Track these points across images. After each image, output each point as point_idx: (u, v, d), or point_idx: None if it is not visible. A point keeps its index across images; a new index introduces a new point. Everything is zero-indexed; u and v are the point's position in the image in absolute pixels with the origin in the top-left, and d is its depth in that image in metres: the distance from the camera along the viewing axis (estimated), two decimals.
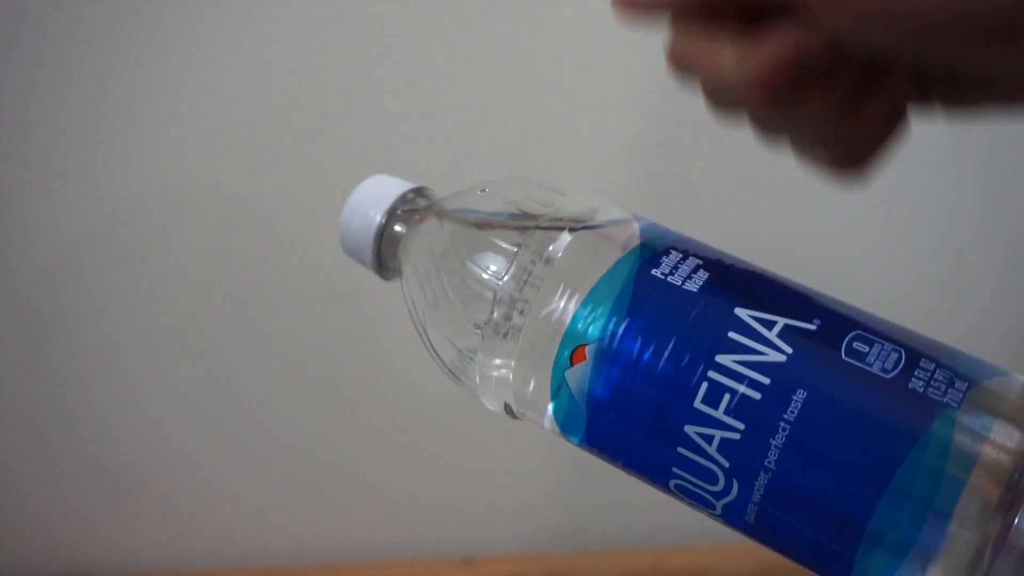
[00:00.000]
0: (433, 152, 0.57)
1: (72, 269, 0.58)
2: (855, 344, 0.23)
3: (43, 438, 0.63)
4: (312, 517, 0.66)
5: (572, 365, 0.25)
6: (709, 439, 0.23)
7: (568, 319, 0.25)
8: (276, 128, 0.56)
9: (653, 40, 0.57)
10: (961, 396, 0.22)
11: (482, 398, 0.29)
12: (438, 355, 0.30)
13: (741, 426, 0.23)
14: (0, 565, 0.65)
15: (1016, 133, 0.58)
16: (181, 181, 0.57)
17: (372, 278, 0.62)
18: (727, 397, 0.23)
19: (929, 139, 0.58)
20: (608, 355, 0.24)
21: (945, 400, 0.22)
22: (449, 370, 0.30)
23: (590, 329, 0.25)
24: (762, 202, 0.59)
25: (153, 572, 0.66)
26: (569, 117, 0.57)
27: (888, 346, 0.23)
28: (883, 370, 0.22)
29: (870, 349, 0.23)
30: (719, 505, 0.24)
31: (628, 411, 0.24)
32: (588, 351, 0.25)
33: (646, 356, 0.24)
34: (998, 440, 0.21)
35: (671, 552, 0.65)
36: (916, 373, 0.22)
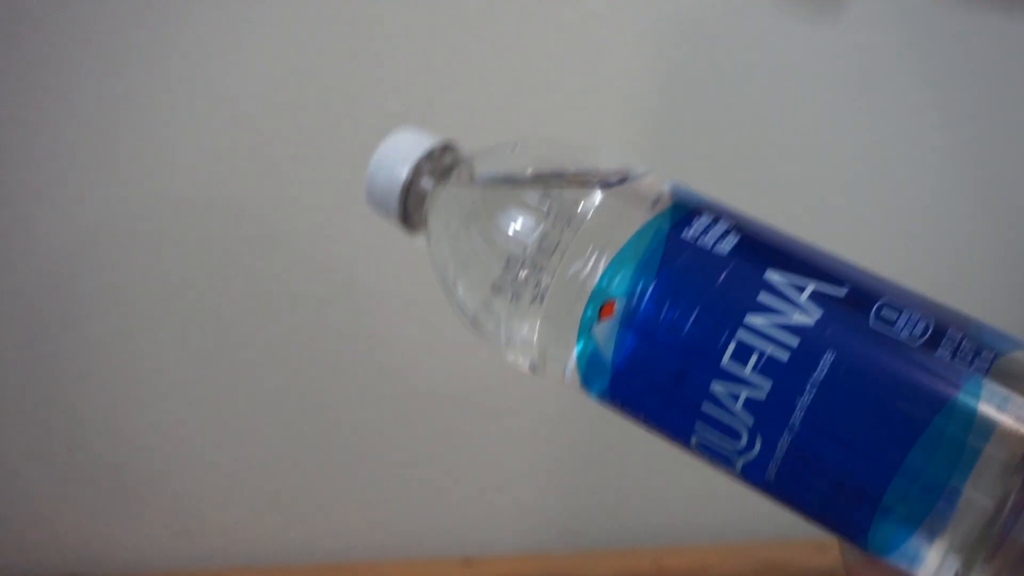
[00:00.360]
0: None
1: (73, 269, 0.58)
2: (884, 311, 0.23)
3: (44, 438, 0.63)
4: (312, 517, 0.66)
5: (600, 320, 0.25)
6: (735, 397, 0.23)
7: (598, 275, 0.25)
8: (276, 128, 0.56)
9: (653, 40, 0.57)
10: (987, 366, 0.22)
11: (506, 353, 0.29)
12: (464, 310, 0.29)
13: (768, 385, 0.23)
14: (0, 565, 0.65)
15: (1016, 133, 0.58)
16: (181, 181, 0.57)
17: (373, 277, 0.62)
18: (755, 356, 0.23)
19: (929, 139, 0.58)
20: (637, 312, 0.25)
21: (971, 369, 0.22)
22: (473, 325, 0.29)
23: (619, 285, 0.25)
24: (762, 202, 0.58)
25: (153, 572, 0.66)
26: (569, 117, 0.57)
27: (916, 314, 0.23)
28: (911, 337, 0.22)
29: (898, 316, 0.23)
30: (739, 462, 0.24)
31: (655, 368, 0.25)
32: (617, 306, 0.25)
33: (675, 314, 0.24)
34: (1021, 409, 0.21)
35: (671, 552, 0.65)
36: (943, 342, 0.22)
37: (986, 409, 0.21)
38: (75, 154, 0.56)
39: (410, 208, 0.31)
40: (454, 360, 0.62)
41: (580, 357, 0.26)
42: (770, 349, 0.23)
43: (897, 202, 0.59)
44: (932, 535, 0.21)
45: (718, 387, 0.23)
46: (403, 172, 0.30)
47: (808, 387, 0.22)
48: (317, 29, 0.54)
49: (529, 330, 0.27)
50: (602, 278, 0.25)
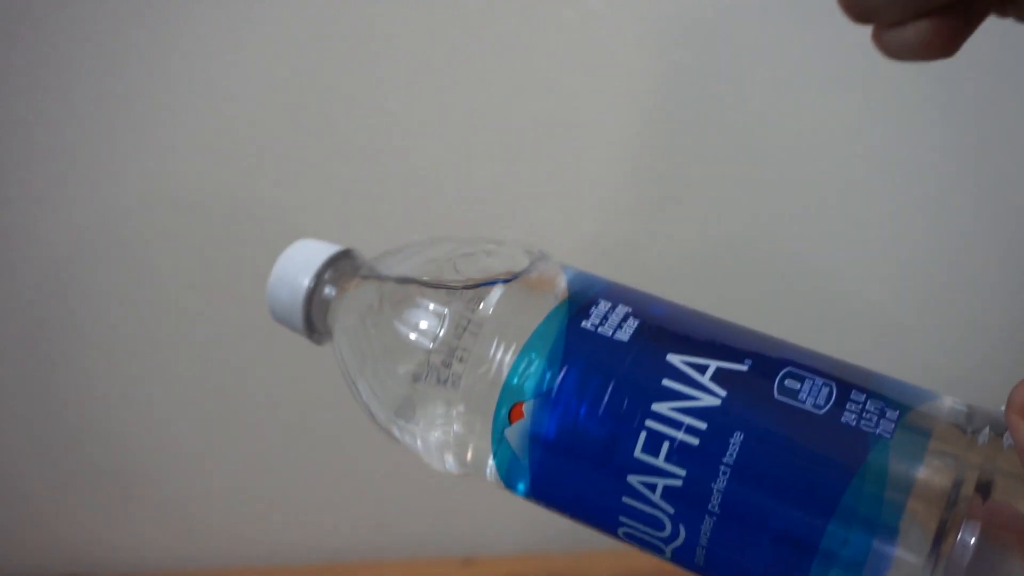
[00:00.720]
0: (433, 152, 0.57)
1: (73, 269, 0.58)
2: (786, 382, 0.23)
3: (44, 438, 0.63)
4: (312, 517, 0.66)
5: (511, 423, 0.25)
6: (652, 487, 0.23)
7: (504, 376, 0.25)
8: (276, 128, 0.56)
9: (653, 40, 0.57)
10: (893, 426, 0.22)
11: (425, 457, 0.29)
12: (373, 416, 0.29)
13: (682, 472, 0.23)
14: (0, 565, 0.65)
15: (1016, 133, 0.58)
16: (181, 181, 0.57)
17: None
18: (666, 444, 0.23)
19: (929, 139, 0.58)
20: (545, 411, 0.24)
21: (878, 432, 0.22)
22: (385, 430, 0.29)
23: (526, 385, 0.25)
24: (762, 202, 0.59)
25: (153, 572, 0.66)
26: (569, 117, 0.57)
27: (819, 381, 0.23)
28: (815, 406, 0.22)
29: (801, 385, 0.23)
30: (668, 550, 0.24)
31: (570, 465, 0.24)
32: (525, 408, 0.25)
33: (583, 410, 0.24)
34: (932, 464, 0.21)
35: None
36: (848, 406, 0.22)
37: (896, 469, 0.21)
38: (75, 154, 0.56)
39: (314, 318, 0.31)
40: None
41: (498, 460, 0.26)
42: (680, 435, 0.23)
43: (897, 201, 0.59)
44: None
45: (635, 479, 0.23)
46: (304, 282, 0.30)
47: (722, 470, 0.22)
48: (317, 29, 0.54)
49: (444, 435, 0.27)
50: (510, 375, 0.25)
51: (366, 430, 0.64)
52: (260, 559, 0.66)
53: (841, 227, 0.60)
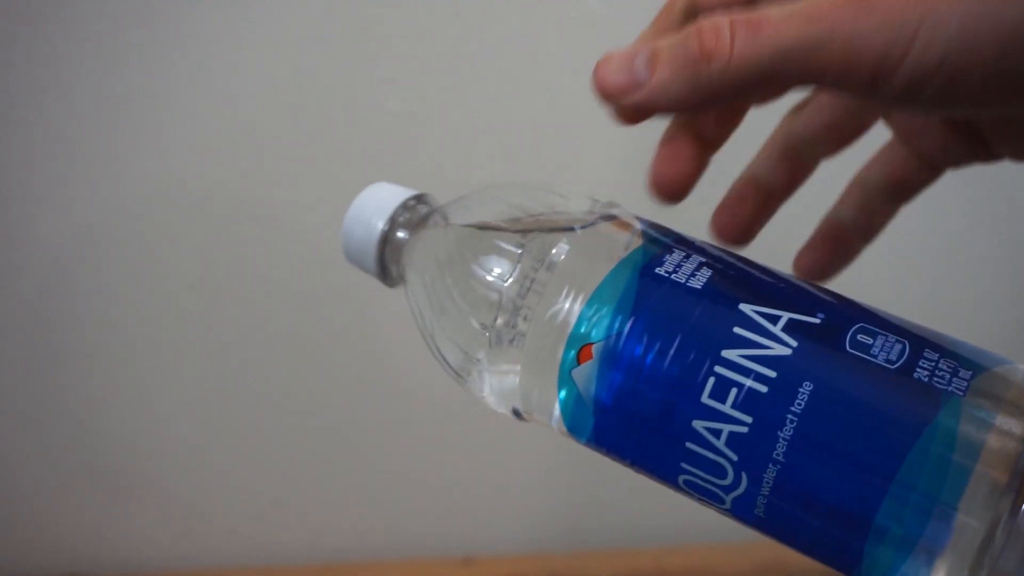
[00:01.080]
0: (433, 152, 0.57)
1: (73, 269, 0.58)
2: (859, 336, 0.23)
3: (44, 438, 0.63)
4: (312, 517, 0.66)
5: (579, 364, 0.25)
6: (717, 433, 0.23)
7: (573, 320, 0.25)
8: (277, 127, 0.56)
9: None
10: (966, 384, 0.22)
11: (489, 401, 0.29)
12: (444, 359, 0.30)
13: (749, 419, 0.23)
14: (0, 565, 0.65)
15: None
16: (182, 180, 0.57)
17: (372, 280, 0.62)
18: (734, 391, 0.23)
19: None
20: (614, 353, 0.25)
21: (950, 389, 0.22)
22: (456, 374, 0.30)
23: (595, 329, 0.25)
24: None
25: (153, 572, 0.66)
26: (569, 117, 0.57)
27: (892, 338, 0.23)
28: (887, 361, 0.22)
29: (874, 341, 0.23)
30: (728, 499, 0.24)
31: (636, 408, 0.24)
32: (594, 350, 0.25)
33: (652, 353, 0.24)
34: (1003, 427, 0.21)
35: (671, 552, 0.65)
36: (920, 363, 0.22)
37: (966, 429, 0.21)
38: (75, 154, 0.56)
39: (387, 261, 0.31)
40: None
41: (563, 403, 0.26)
42: (749, 382, 0.23)
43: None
44: (924, 563, 0.21)
45: (700, 424, 0.23)
46: (378, 225, 0.31)
47: (789, 418, 0.22)
48: (317, 29, 0.54)
49: (511, 377, 0.27)
50: (579, 321, 0.25)
51: (366, 430, 0.64)
52: (260, 559, 0.66)
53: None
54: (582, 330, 0.25)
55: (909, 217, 0.60)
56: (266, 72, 0.55)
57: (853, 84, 0.20)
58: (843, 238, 0.32)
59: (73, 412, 0.62)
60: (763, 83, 0.21)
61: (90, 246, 0.58)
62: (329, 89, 0.56)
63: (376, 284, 0.65)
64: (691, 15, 0.26)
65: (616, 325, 0.25)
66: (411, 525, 0.67)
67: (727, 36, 0.20)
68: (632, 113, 0.23)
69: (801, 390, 0.22)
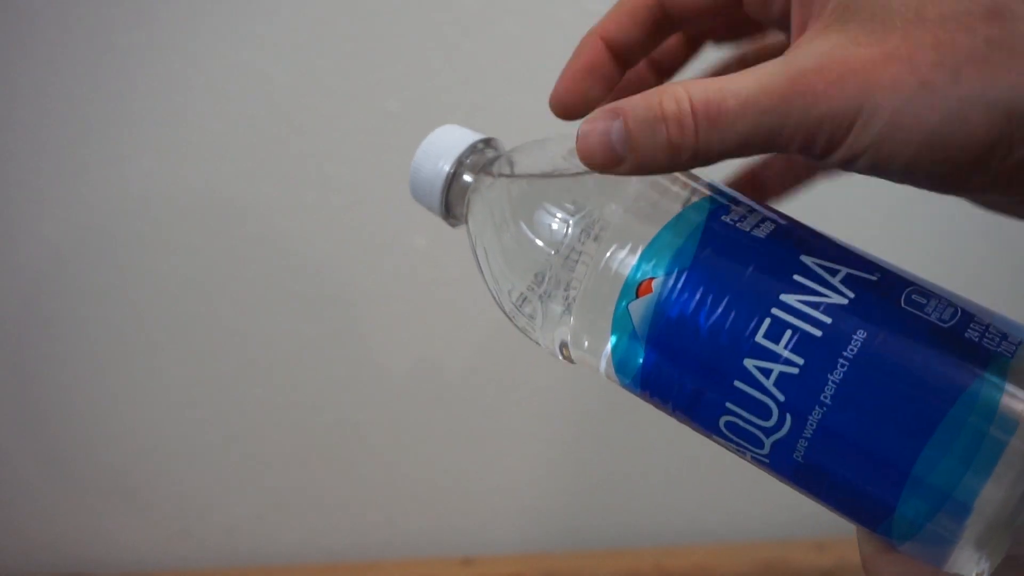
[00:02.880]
0: None
1: (71, 269, 0.58)
2: (914, 296, 0.24)
3: (43, 438, 0.63)
4: (312, 517, 0.66)
5: (638, 297, 0.26)
6: (767, 373, 0.24)
7: (637, 255, 0.26)
8: (276, 128, 0.56)
9: None
10: (1014, 348, 0.22)
11: (541, 340, 0.30)
12: (503, 300, 0.30)
13: (800, 361, 0.23)
14: (0, 564, 0.65)
15: None
16: (181, 181, 0.57)
17: (374, 278, 0.62)
18: (789, 332, 0.23)
19: None
20: (675, 288, 0.25)
21: (999, 350, 0.22)
22: (512, 315, 0.30)
23: (659, 264, 0.26)
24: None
25: (153, 572, 0.66)
26: None
27: (945, 301, 0.24)
28: (940, 319, 0.23)
29: (928, 302, 0.24)
30: (768, 442, 0.24)
31: (689, 343, 0.25)
32: (655, 284, 0.25)
33: (712, 291, 0.25)
34: None
35: (671, 552, 0.65)
36: (972, 326, 0.23)
37: (1013, 389, 0.22)
38: (74, 154, 0.56)
39: (452, 201, 0.32)
40: (455, 361, 0.62)
41: (616, 343, 0.27)
42: (804, 326, 0.23)
43: (897, 202, 0.59)
44: (956, 518, 0.21)
45: (752, 363, 0.24)
46: (446, 166, 0.32)
47: (840, 363, 0.23)
48: (317, 29, 0.54)
49: (567, 317, 0.28)
50: (643, 256, 0.26)
51: (366, 430, 0.64)
52: (260, 559, 0.66)
53: (840, 228, 0.60)
54: (645, 264, 0.26)
55: (911, 218, 0.60)
56: (265, 72, 0.55)
57: (808, 156, 0.22)
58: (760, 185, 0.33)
59: (73, 412, 0.62)
60: (734, 156, 0.23)
61: (90, 246, 0.58)
62: (329, 89, 0.56)
63: (375, 286, 0.65)
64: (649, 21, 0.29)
65: (679, 263, 0.25)
66: (411, 525, 0.67)
67: (691, 127, 0.22)
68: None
69: (855, 337, 0.23)
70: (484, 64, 0.56)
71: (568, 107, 0.26)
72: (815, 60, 0.21)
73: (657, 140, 0.22)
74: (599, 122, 0.24)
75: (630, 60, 0.25)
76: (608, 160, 0.24)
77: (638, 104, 0.23)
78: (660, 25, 0.25)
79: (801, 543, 0.62)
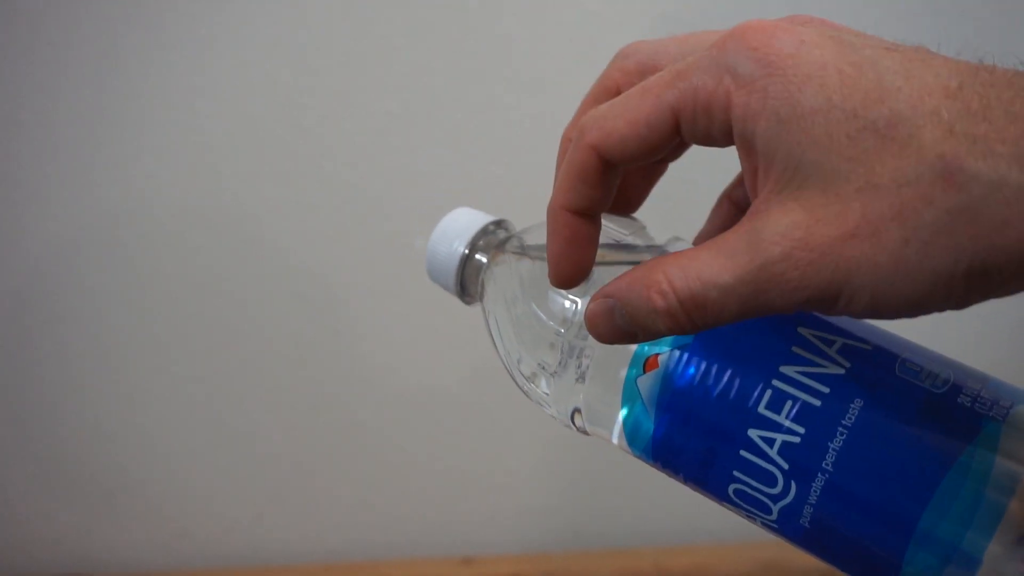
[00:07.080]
0: (433, 152, 0.57)
1: (72, 269, 0.58)
2: (907, 364, 0.25)
3: (42, 438, 0.63)
4: (312, 517, 0.66)
5: (645, 372, 0.27)
6: (771, 442, 0.25)
7: None
8: (276, 128, 0.56)
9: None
10: (1006, 412, 0.23)
11: (555, 414, 0.32)
12: (518, 376, 0.32)
13: (802, 430, 0.24)
14: (0, 565, 0.65)
15: None
16: (179, 181, 0.57)
17: (373, 278, 0.62)
18: (789, 403, 0.25)
19: None
20: (679, 363, 0.27)
21: (991, 415, 0.23)
22: (527, 390, 0.32)
23: (662, 343, 0.27)
24: None
25: (152, 572, 0.66)
26: (569, 117, 0.57)
27: (937, 368, 0.25)
28: (933, 386, 0.24)
29: (921, 369, 0.25)
30: (776, 508, 0.25)
31: (696, 416, 0.26)
32: (660, 359, 0.27)
33: (716, 366, 0.26)
34: None
35: (671, 552, 0.65)
36: (963, 391, 0.24)
37: (1006, 449, 0.23)
38: (73, 154, 0.56)
39: (467, 280, 0.34)
40: (454, 361, 0.62)
41: (627, 415, 0.28)
42: (804, 396, 0.25)
43: None
44: (963, 571, 0.22)
45: (755, 433, 0.25)
46: (460, 248, 0.33)
47: (839, 431, 0.24)
48: (317, 29, 0.54)
49: (578, 391, 0.30)
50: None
51: (366, 431, 0.64)
52: (260, 559, 0.66)
53: None
54: (647, 348, 0.27)
55: None
56: (265, 72, 0.55)
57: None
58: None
59: (74, 412, 0.62)
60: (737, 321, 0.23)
61: (91, 246, 0.58)
62: (329, 89, 0.56)
63: (374, 286, 0.65)
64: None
65: (683, 337, 0.26)
66: (411, 525, 0.67)
67: (684, 318, 0.23)
68: None
69: (852, 405, 0.24)
70: (484, 64, 0.56)
71: (575, 282, 0.26)
72: (781, 247, 0.21)
73: (659, 326, 0.23)
74: (601, 313, 0.24)
75: (601, 211, 0.26)
76: (624, 338, 0.25)
77: (632, 300, 0.24)
78: (613, 175, 0.25)
79: None
